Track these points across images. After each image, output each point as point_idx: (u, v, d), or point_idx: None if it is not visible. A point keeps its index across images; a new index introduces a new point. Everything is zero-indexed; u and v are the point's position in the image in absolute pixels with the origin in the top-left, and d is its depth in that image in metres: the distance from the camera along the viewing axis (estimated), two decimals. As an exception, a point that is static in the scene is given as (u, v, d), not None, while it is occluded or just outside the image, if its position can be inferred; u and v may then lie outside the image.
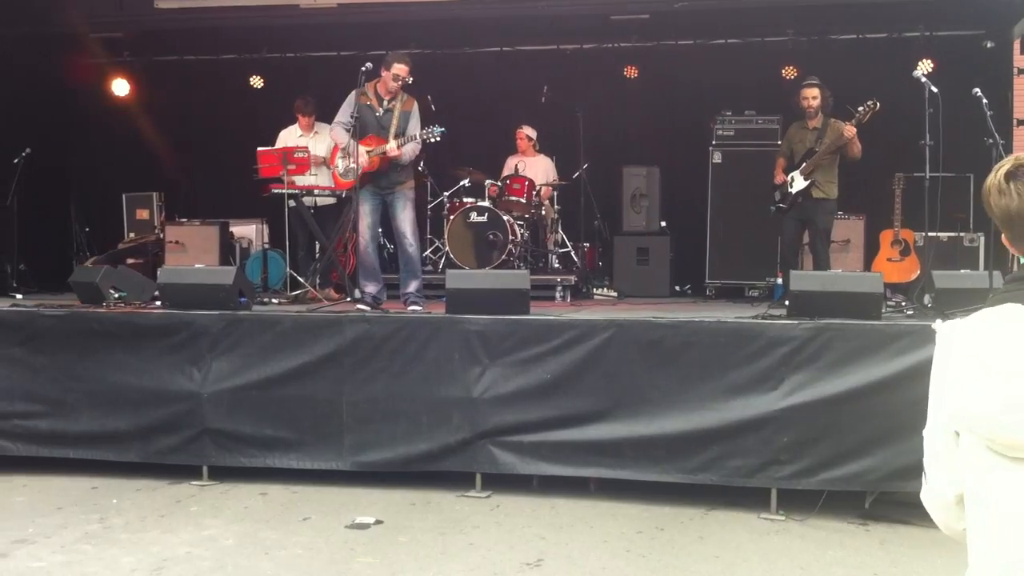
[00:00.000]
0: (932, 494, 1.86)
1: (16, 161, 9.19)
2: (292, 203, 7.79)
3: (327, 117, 7.61)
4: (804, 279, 5.92)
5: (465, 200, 8.93)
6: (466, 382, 5.68)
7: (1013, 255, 7.00)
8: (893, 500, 5.23)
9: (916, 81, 6.62)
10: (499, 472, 5.66)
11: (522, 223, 8.77)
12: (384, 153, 6.87)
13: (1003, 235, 1.88)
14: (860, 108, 7.01)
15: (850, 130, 7.06)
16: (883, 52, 9.19)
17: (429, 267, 8.90)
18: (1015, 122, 8.39)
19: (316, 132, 8.62)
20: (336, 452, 5.83)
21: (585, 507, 5.43)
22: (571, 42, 10.05)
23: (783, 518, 5.23)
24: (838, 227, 8.15)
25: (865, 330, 5.29)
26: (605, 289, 9.24)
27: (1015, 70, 8.48)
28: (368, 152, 6.86)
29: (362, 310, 6.42)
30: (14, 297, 8.13)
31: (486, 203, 8.69)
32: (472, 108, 10.10)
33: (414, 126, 6.98)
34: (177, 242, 9.56)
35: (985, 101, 6.22)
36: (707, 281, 9.31)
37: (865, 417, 5.16)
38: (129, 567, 4.50)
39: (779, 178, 7.56)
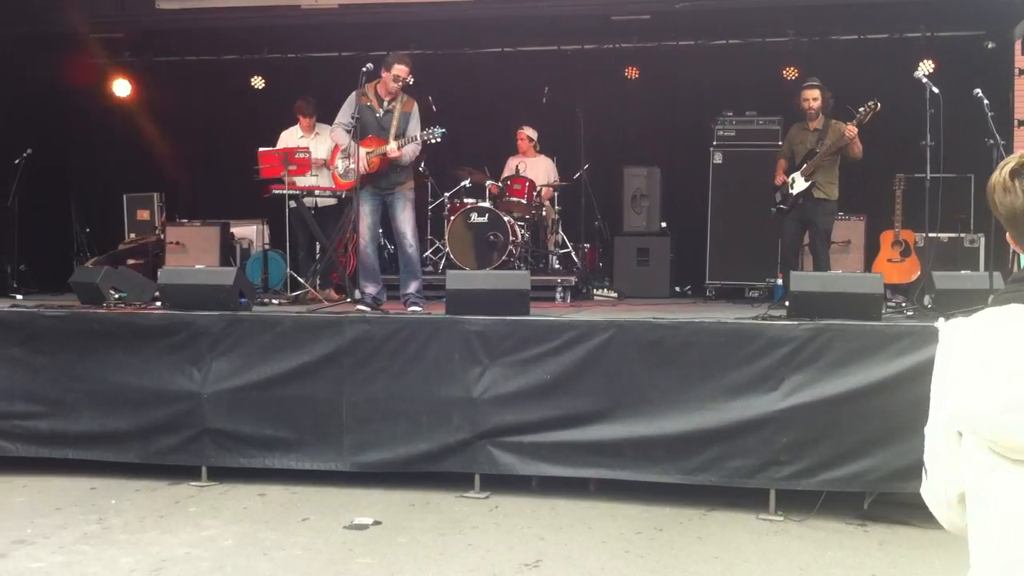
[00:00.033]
0: (933, 492, 1.85)
1: (17, 162, 9.21)
2: (293, 204, 7.80)
3: (328, 118, 7.60)
4: (804, 280, 5.92)
5: (466, 201, 8.92)
6: (466, 382, 5.67)
7: (1013, 256, 7.04)
8: (892, 501, 5.23)
9: (917, 82, 6.62)
10: (499, 473, 5.65)
11: (522, 224, 8.77)
12: (384, 154, 6.87)
13: (1007, 233, 1.87)
14: (861, 109, 7.01)
15: (851, 130, 7.06)
16: (884, 53, 9.19)
17: (429, 268, 8.90)
18: (1016, 123, 8.39)
19: (317, 133, 8.62)
20: (336, 452, 5.82)
21: (584, 508, 5.42)
22: (572, 42, 10.05)
23: (782, 519, 5.23)
24: (838, 228, 8.16)
25: (865, 331, 5.28)
26: (605, 290, 9.25)
27: (1016, 71, 8.49)
28: (368, 153, 6.86)
29: (362, 311, 6.42)
30: (14, 297, 8.13)
31: (487, 204, 8.68)
32: (473, 109, 10.10)
33: (414, 127, 6.98)
34: (177, 243, 9.57)
35: (986, 102, 6.22)
36: (707, 282, 9.31)
37: (865, 418, 5.15)
38: (128, 568, 4.50)
39: (780, 179, 7.57)
